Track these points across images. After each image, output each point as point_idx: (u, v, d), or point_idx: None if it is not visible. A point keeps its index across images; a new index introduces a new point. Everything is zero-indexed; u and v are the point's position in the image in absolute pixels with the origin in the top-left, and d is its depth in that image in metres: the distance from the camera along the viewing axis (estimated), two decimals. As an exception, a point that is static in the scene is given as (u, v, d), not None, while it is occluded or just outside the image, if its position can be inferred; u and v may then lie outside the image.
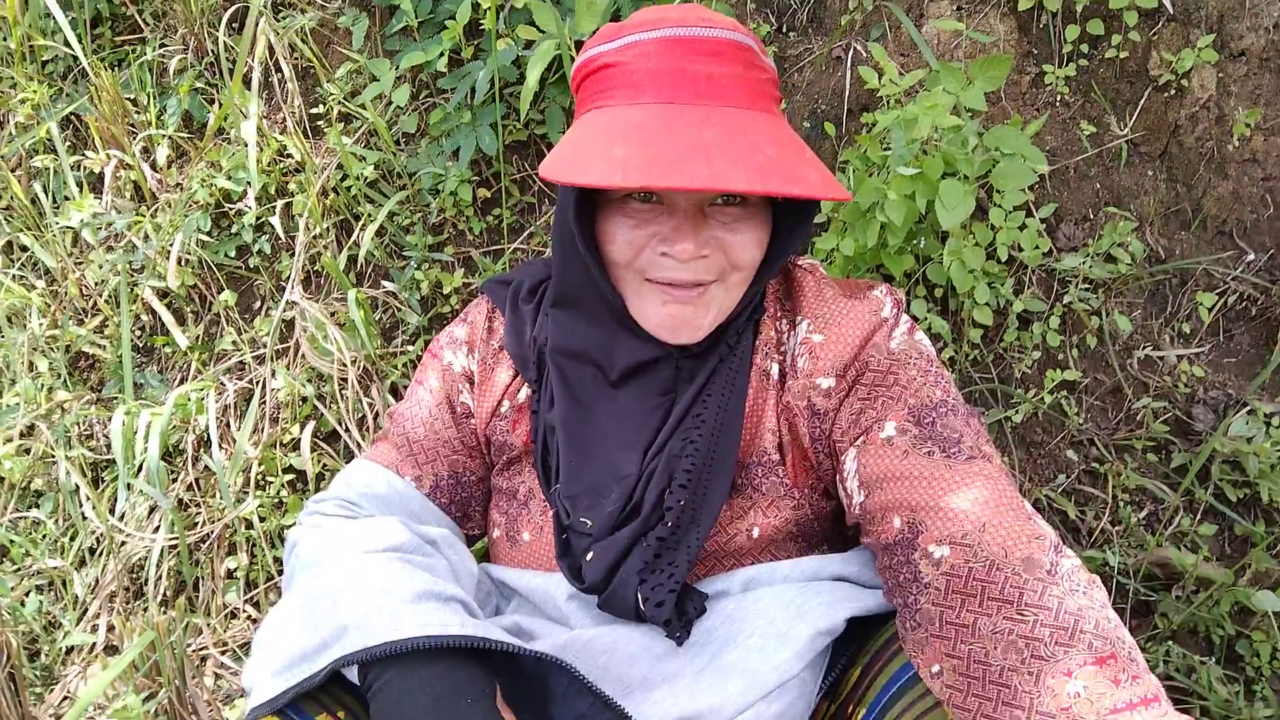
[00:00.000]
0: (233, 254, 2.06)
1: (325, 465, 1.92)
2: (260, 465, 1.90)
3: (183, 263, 2.04)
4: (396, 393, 1.93)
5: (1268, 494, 1.46)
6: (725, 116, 0.85)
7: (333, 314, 1.92)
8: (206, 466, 1.96)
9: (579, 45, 1.76)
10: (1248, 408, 1.54)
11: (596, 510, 0.98)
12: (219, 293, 2.08)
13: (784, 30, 1.82)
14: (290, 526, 1.89)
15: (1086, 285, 1.60)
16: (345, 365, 1.82)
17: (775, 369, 1.01)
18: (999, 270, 1.58)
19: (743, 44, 0.89)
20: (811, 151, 0.90)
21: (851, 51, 1.75)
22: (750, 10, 1.83)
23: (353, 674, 0.85)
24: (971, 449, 0.90)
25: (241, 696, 1.77)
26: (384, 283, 1.93)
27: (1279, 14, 1.57)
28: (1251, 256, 1.62)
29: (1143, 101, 1.63)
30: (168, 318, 2.07)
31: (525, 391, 1.08)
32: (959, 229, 1.55)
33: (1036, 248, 1.55)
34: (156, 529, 1.92)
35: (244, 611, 1.90)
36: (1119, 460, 1.58)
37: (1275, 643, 1.45)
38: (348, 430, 1.91)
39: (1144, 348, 1.61)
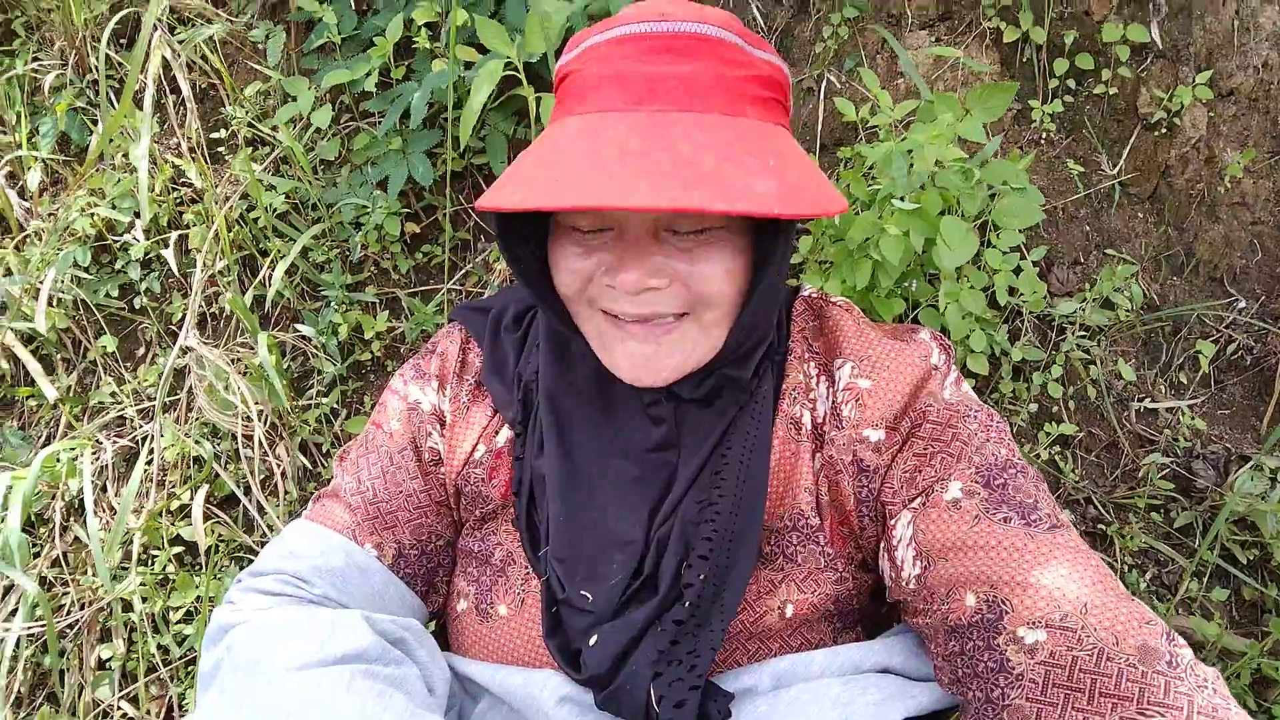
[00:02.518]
0: (115, 293, 1.78)
1: (221, 536, 1.65)
2: (143, 536, 1.61)
3: (54, 302, 1.75)
4: (306, 450, 1.68)
5: (1284, 556, 1.36)
6: (668, 122, 0.71)
7: (235, 361, 1.66)
8: (77, 538, 1.66)
9: (528, 67, 1.59)
10: (1250, 462, 1.44)
11: (598, 583, 0.82)
12: (96, 337, 1.80)
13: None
14: (179, 608, 1.61)
15: (1084, 333, 1.49)
16: (250, 420, 1.56)
17: (806, 418, 0.87)
18: (992, 317, 1.46)
19: (712, 38, 0.74)
20: (802, 158, 0.75)
21: (825, 82, 1.62)
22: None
23: None
24: (1050, 517, 0.76)
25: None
26: (296, 326, 1.69)
27: (1267, 53, 1.51)
28: (1243, 304, 1.54)
29: (1132, 140, 1.55)
30: (34, 366, 1.77)
31: (505, 435, 0.92)
32: (951, 272, 1.42)
33: (1035, 292, 1.43)
34: (13, 613, 1.61)
35: (117, 709, 1.59)
36: (1120, 519, 1.46)
37: (1298, 719, 1.34)
38: (249, 493, 1.64)
39: (1140, 399, 1.50)
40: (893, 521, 0.82)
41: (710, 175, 0.66)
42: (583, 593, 0.82)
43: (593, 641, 0.80)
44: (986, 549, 0.74)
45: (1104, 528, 1.45)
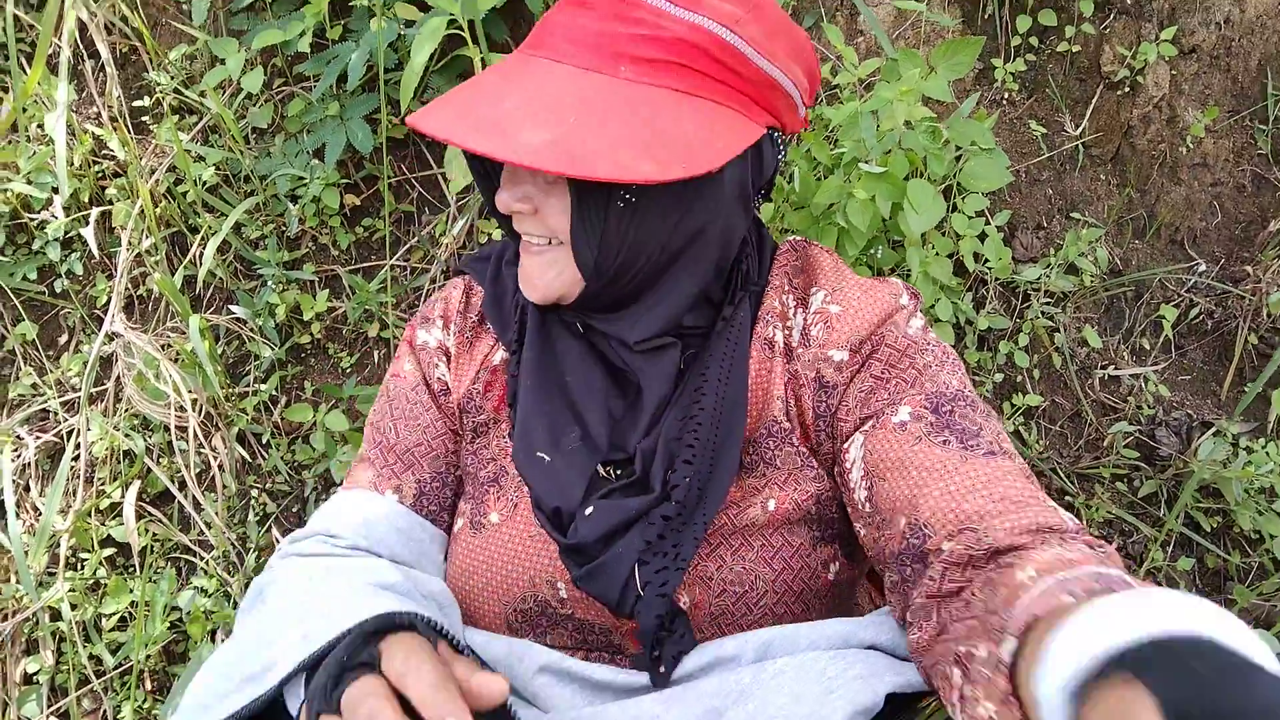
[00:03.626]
0: (33, 276, 1.67)
1: (155, 535, 1.56)
2: (71, 538, 1.52)
3: (-36, 287, 1.64)
4: (244, 441, 1.59)
5: (1250, 521, 1.35)
6: (538, 71, 0.80)
7: (165, 347, 1.57)
8: (-1, 543, 1.56)
9: (473, 26, 1.50)
10: (1213, 429, 1.43)
11: (556, 449, 0.89)
12: (14, 324, 1.68)
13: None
14: (113, 614, 1.52)
15: (1048, 299, 1.46)
16: (184, 410, 1.47)
17: (780, 337, 0.92)
18: (956, 284, 1.42)
19: None
20: (666, 125, 0.77)
21: (781, 42, 1.56)
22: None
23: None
24: (991, 444, 0.79)
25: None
26: (230, 308, 1.59)
27: (1229, 8, 1.48)
28: (1203, 267, 1.52)
29: (1095, 100, 1.51)
30: (-55, 355, 1.66)
31: (501, 355, 0.98)
32: (917, 239, 1.37)
33: (1000, 259, 1.39)
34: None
35: (44, 727, 1.51)
36: (1085, 491, 1.44)
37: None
38: (184, 488, 1.56)
39: (1103, 366, 1.48)
40: (846, 445, 0.86)
41: (500, 121, 0.74)
42: (539, 454, 0.88)
43: (589, 511, 0.83)
44: (920, 469, 0.77)
45: (1070, 499, 1.43)
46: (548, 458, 0.88)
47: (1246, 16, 1.50)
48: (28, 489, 1.55)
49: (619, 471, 0.89)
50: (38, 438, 1.59)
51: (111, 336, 1.52)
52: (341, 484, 1.00)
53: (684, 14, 0.78)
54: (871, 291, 0.90)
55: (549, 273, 0.87)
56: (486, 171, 0.93)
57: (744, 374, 0.89)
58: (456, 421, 0.99)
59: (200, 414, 1.50)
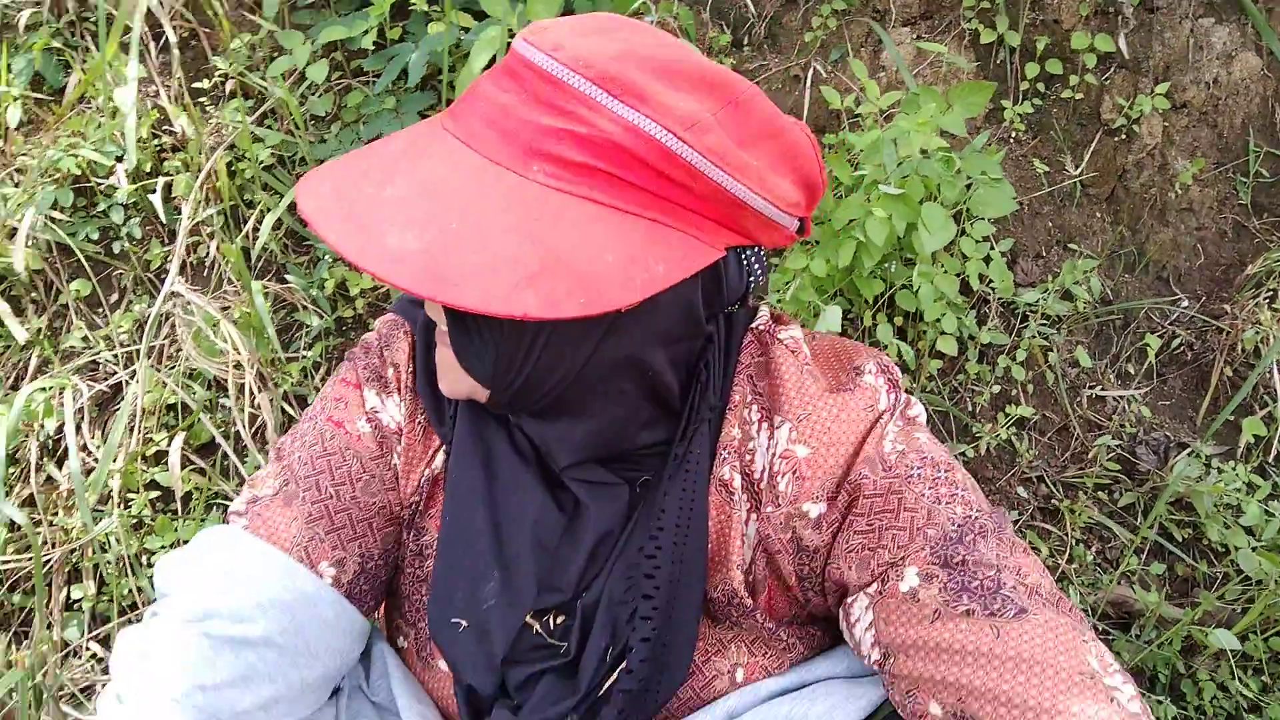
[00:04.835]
0: (95, 236, 1.77)
1: (195, 485, 1.65)
2: (120, 480, 1.61)
3: (29, 243, 1.73)
4: (288, 400, 1.69)
5: (1218, 534, 1.47)
6: (441, 155, 0.66)
7: (223, 309, 1.67)
8: (49, 479, 1.65)
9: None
10: (1188, 450, 1.56)
11: (472, 602, 0.76)
12: (70, 280, 1.78)
13: (741, 45, 1.76)
14: (154, 551, 1.61)
15: (1044, 321, 1.59)
16: (240, 368, 1.57)
17: (737, 479, 0.79)
18: (962, 302, 1.55)
19: (544, 72, 0.64)
20: (558, 242, 0.62)
21: (811, 71, 1.70)
22: (707, 19, 1.75)
23: None
24: (1015, 589, 0.70)
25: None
26: (287, 278, 1.70)
27: (1218, 70, 1.63)
28: (1186, 303, 1.66)
29: (1094, 144, 1.65)
30: (2, 306, 1.75)
31: (442, 459, 0.83)
32: (928, 257, 1.50)
33: (1003, 281, 1.52)
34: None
35: (86, 649, 1.59)
36: (1070, 497, 1.56)
37: (1220, 681, 1.46)
38: (238, 440, 1.65)
39: (1091, 386, 1.61)
40: (850, 600, 0.77)
41: (373, 213, 0.62)
42: (454, 620, 0.76)
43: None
44: (949, 652, 0.68)
45: (1056, 503, 1.55)
46: (464, 623, 0.76)
47: (1233, 79, 1.65)
48: (78, 431, 1.64)
49: (553, 621, 0.77)
50: (91, 386, 1.68)
51: (174, 295, 1.62)
52: (243, 500, 0.80)
53: (622, 111, 0.63)
54: (842, 414, 0.77)
55: (454, 370, 0.74)
56: None
57: (704, 527, 0.77)
58: (402, 518, 0.85)
59: (254, 373, 1.60)
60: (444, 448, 0.83)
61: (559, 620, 0.77)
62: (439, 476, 0.83)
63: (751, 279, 0.77)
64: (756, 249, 0.75)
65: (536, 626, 0.76)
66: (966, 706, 0.66)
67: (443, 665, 0.83)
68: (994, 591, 0.69)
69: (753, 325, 0.84)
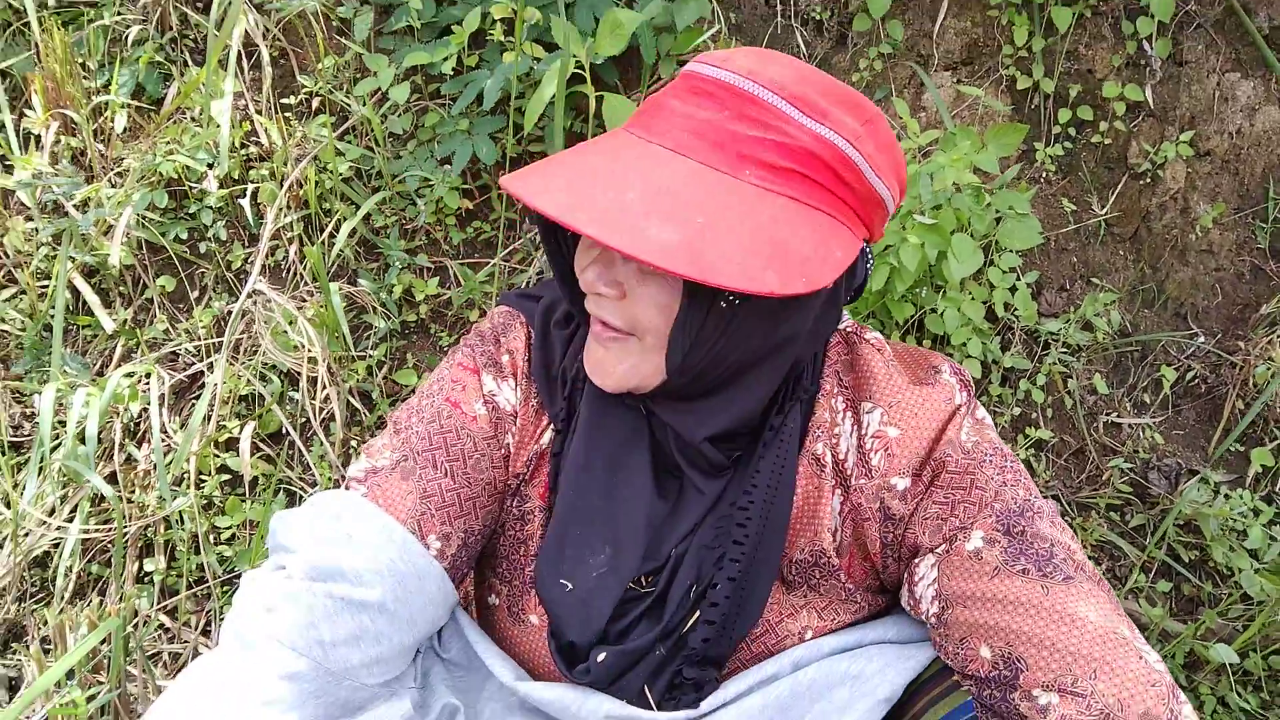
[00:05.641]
0: (184, 236, 1.92)
1: (262, 471, 1.79)
2: (195, 463, 1.75)
3: (124, 240, 1.88)
4: (354, 395, 1.83)
5: (1223, 556, 1.56)
6: (658, 159, 0.76)
7: (299, 308, 1.81)
8: (128, 458, 1.79)
9: (591, 68, 1.76)
10: (1198, 476, 1.65)
11: (581, 569, 0.86)
12: (157, 276, 1.93)
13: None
14: (224, 530, 1.74)
15: (1065, 349, 1.69)
16: (314, 362, 1.71)
17: (829, 456, 0.91)
18: (987, 329, 1.66)
19: (747, 94, 0.77)
20: (785, 237, 0.74)
21: (854, 108, 1.82)
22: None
23: None
24: (1065, 561, 0.80)
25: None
26: (360, 281, 1.84)
27: (1241, 121, 1.73)
28: (1202, 339, 1.75)
29: (1120, 186, 1.76)
30: (93, 298, 1.90)
31: (550, 435, 0.94)
32: (957, 284, 1.61)
33: (1027, 310, 1.63)
34: (69, 519, 1.73)
35: (154, 619, 1.72)
36: (1083, 516, 1.65)
37: (1221, 695, 1.54)
38: (304, 430, 1.79)
39: (1107, 413, 1.70)
40: (917, 561, 0.88)
41: (623, 212, 0.70)
42: (562, 580, 0.86)
43: (601, 657, 0.85)
44: (1003, 602, 0.79)
45: (1069, 521, 1.64)
46: (570, 585, 0.86)
47: (1255, 130, 1.75)
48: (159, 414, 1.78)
49: (649, 578, 0.89)
50: (173, 375, 1.83)
51: (257, 293, 1.76)
52: (361, 468, 0.87)
53: (812, 124, 0.77)
54: (926, 403, 0.89)
55: (622, 365, 0.84)
56: (558, 238, 0.89)
57: (790, 493, 0.88)
58: (506, 491, 0.94)
59: (326, 367, 1.73)
60: (552, 426, 0.93)
61: (651, 576, 0.89)
62: (545, 452, 0.93)
63: (868, 267, 0.90)
64: (868, 246, 0.89)
65: (632, 587, 0.88)
66: (1014, 649, 0.77)
67: (534, 620, 0.92)
68: (1047, 559, 0.80)
69: (839, 327, 0.97)
